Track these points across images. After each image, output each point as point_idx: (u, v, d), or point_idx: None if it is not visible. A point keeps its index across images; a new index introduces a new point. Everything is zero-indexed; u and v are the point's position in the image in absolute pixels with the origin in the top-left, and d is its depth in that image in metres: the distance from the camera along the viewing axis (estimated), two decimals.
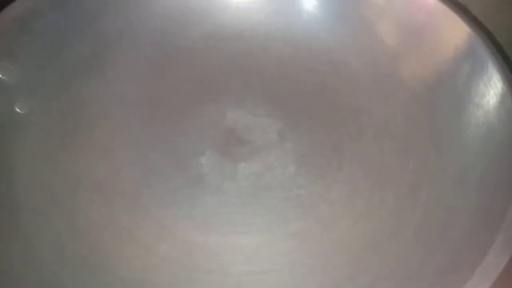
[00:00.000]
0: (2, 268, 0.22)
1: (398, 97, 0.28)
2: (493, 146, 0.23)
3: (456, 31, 0.26)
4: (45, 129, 0.27)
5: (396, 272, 0.21)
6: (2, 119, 0.27)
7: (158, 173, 0.27)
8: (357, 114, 0.29)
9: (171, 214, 0.25)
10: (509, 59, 0.25)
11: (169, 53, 0.31)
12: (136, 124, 0.29)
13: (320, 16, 0.32)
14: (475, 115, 0.25)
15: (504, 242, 0.18)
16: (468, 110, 0.25)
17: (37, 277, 0.22)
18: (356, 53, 0.30)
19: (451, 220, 0.22)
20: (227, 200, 0.26)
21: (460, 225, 0.21)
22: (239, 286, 0.23)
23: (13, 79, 0.28)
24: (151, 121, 0.29)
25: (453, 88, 0.26)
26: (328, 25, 0.31)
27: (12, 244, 0.23)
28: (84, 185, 0.26)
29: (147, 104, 0.30)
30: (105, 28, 0.31)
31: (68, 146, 0.27)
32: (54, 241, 0.24)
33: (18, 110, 0.27)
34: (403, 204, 0.24)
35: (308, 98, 0.29)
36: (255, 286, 0.23)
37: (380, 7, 0.30)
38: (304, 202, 0.25)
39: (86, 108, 0.29)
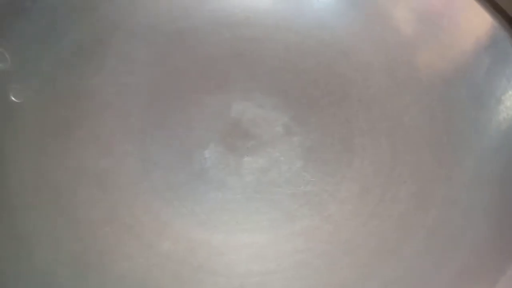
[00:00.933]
0: None
1: (412, 89, 0.27)
2: None
3: (477, 21, 0.25)
4: (41, 119, 0.26)
5: (408, 277, 0.20)
6: None
7: (159, 166, 0.26)
8: (369, 106, 0.27)
9: (173, 210, 0.24)
10: None
11: (171, 40, 0.30)
12: (137, 114, 0.28)
13: (331, 3, 0.30)
14: (496, 110, 0.23)
15: None
16: (489, 104, 0.24)
17: (33, 275, 0.22)
18: (369, 42, 0.28)
19: (469, 221, 0.21)
20: (231, 196, 0.25)
21: (480, 227, 0.20)
22: (243, 286, 0.22)
23: (8, 66, 0.26)
24: (153, 112, 0.28)
25: (472, 81, 0.25)
26: (340, 12, 0.30)
27: (6, 241, 0.22)
28: (82, 178, 0.25)
29: (148, 93, 0.28)
30: (104, 14, 0.30)
31: (65, 137, 0.26)
32: (50, 237, 0.23)
33: (13, 98, 0.26)
34: (416, 203, 0.23)
35: (317, 89, 0.28)
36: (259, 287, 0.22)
37: None
38: (312, 199, 0.24)
39: (84, 98, 0.28)
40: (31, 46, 0.27)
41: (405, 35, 0.28)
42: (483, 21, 0.25)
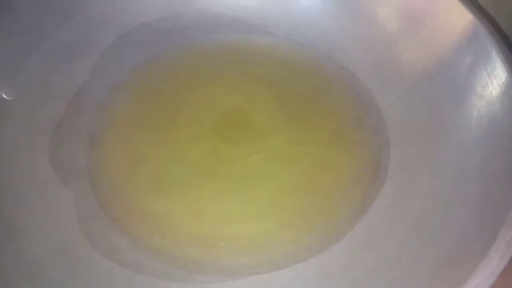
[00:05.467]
0: None
1: (397, 85, 0.28)
2: (496, 138, 0.22)
3: (458, 18, 0.26)
4: (32, 115, 0.26)
5: (393, 266, 0.21)
6: None
7: (148, 160, 0.26)
8: (356, 101, 0.28)
9: (161, 202, 0.24)
10: None
11: (159, 38, 0.30)
12: (126, 111, 0.28)
13: (318, 3, 0.31)
14: (478, 105, 0.24)
15: (508, 236, 0.18)
16: (470, 100, 0.24)
17: (20, 268, 0.21)
18: (355, 40, 0.29)
19: (452, 212, 0.21)
20: (219, 188, 0.25)
21: (461, 218, 0.21)
22: (233, 279, 0.22)
23: None
24: (141, 108, 0.28)
25: (455, 77, 0.25)
26: (326, 11, 0.30)
27: None
28: (71, 173, 0.25)
29: (137, 90, 0.29)
30: (92, 12, 0.30)
31: (56, 134, 0.26)
32: (38, 230, 0.23)
33: (4, 96, 0.26)
34: (401, 195, 0.24)
35: (305, 84, 0.29)
36: (250, 279, 0.22)
37: None
38: (300, 191, 0.25)
39: (74, 95, 0.28)
40: (22, 43, 0.27)
41: (389, 32, 0.28)
42: (464, 18, 0.25)
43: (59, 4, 0.29)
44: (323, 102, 0.28)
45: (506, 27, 0.25)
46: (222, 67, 0.30)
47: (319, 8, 0.30)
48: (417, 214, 0.22)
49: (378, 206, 0.24)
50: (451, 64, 0.26)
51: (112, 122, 0.27)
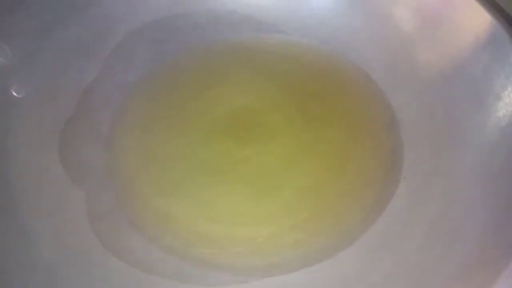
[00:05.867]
0: None
1: (412, 85, 0.27)
2: None
3: (476, 19, 0.25)
4: (42, 113, 0.26)
5: (412, 271, 0.20)
6: None
7: (159, 160, 0.26)
8: (369, 102, 0.27)
9: (173, 203, 0.24)
10: None
11: (170, 36, 0.30)
12: (137, 109, 0.28)
13: (330, 2, 0.30)
14: (495, 107, 0.24)
15: None
16: (487, 101, 0.24)
17: (34, 270, 0.21)
18: (368, 40, 0.29)
19: (471, 216, 0.21)
20: (231, 189, 0.24)
21: (481, 222, 0.20)
22: (246, 281, 0.22)
23: (8, 60, 0.26)
24: (152, 107, 0.28)
25: (471, 78, 0.25)
26: (340, 11, 0.30)
27: (6, 236, 0.22)
28: (82, 173, 0.25)
29: (147, 89, 0.28)
30: (104, 10, 0.29)
31: (66, 133, 0.26)
32: (51, 232, 0.22)
33: (14, 93, 0.26)
34: (417, 197, 0.23)
35: (318, 83, 0.28)
36: (263, 282, 0.22)
37: None
38: (313, 191, 0.24)
39: (85, 93, 0.28)
40: (32, 41, 0.27)
41: (405, 32, 0.28)
42: (482, 19, 0.25)
43: (69, 1, 0.29)
44: (335, 102, 0.28)
45: None
46: (234, 65, 0.29)
47: (332, 7, 0.30)
48: (434, 217, 0.22)
49: (393, 208, 0.23)
50: (468, 64, 0.25)
51: (123, 121, 0.27)
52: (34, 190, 0.24)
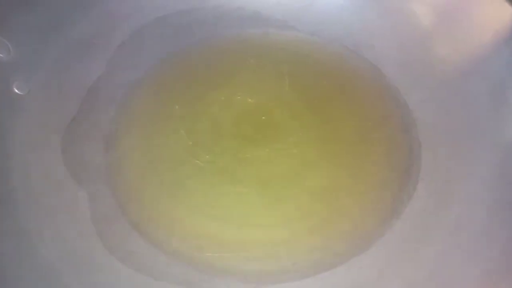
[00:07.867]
0: None
1: (427, 83, 0.26)
2: None
3: (496, 13, 0.24)
4: (45, 112, 0.25)
5: (433, 277, 0.19)
6: None
7: (166, 160, 0.25)
8: (383, 99, 0.27)
9: (181, 204, 0.23)
10: None
11: (178, 34, 0.29)
12: (142, 109, 0.27)
13: None
14: None
15: None
16: (508, 99, 0.23)
17: (36, 272, 0.21)
18: (383, 35, 0.28)
19: (494, 219, 0.20)
20: (241, 190, 0.24)
21: (505, 225, 0.19)
22: (256, 287, 0.21)
23: (11, 56, 0.25)
24: (158, 106, 0.27)
25: (491, 75, 0.24)
26: (352, 5, 0.29)
27: (8, 236, 0.21)
28: (87, 173, 0.24)
29: (154, 88, 0.28)
30: (110, 7, 0.29)
31: (70, 131, 0.25)
32: (54, 233, 0.22)
33: (16, 90, 0.25)
34: (436, 199, 0.22)
35: (329, 81, 0.27)
36: None
37: None
38: (327, 194, 0.23)
39: (89, 91, 0.27)
40: (35, 38, 0.27)
41: (421, 29, 0.27)
42: (503, 13, 0.24)
43: None
44: (348, 100, 0.27)
45: None
46: (242, 63, 0.29)
47: (344, 3, 0.29)
48: (454, 221, 0.21)
49: (411, 211, 0.22)
50: (487, 61, 0.25)
51: (128, 120, 0.26)
52: (37, 191, 0.23)
